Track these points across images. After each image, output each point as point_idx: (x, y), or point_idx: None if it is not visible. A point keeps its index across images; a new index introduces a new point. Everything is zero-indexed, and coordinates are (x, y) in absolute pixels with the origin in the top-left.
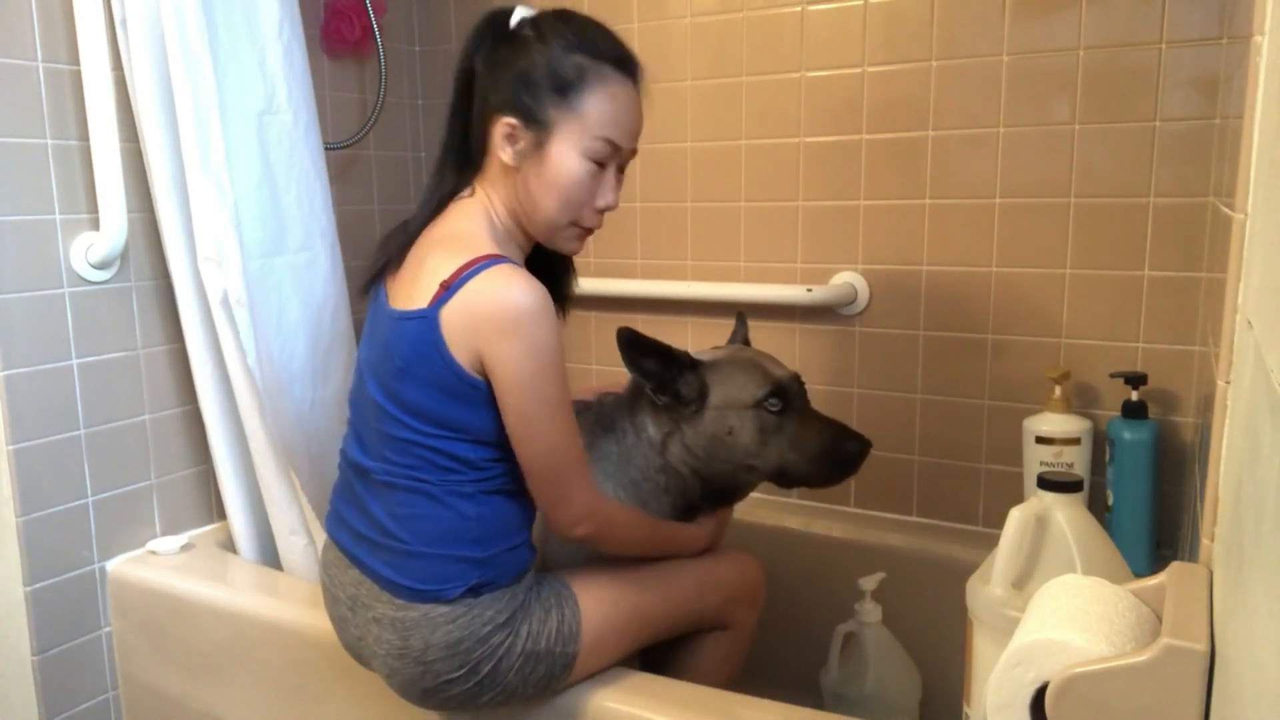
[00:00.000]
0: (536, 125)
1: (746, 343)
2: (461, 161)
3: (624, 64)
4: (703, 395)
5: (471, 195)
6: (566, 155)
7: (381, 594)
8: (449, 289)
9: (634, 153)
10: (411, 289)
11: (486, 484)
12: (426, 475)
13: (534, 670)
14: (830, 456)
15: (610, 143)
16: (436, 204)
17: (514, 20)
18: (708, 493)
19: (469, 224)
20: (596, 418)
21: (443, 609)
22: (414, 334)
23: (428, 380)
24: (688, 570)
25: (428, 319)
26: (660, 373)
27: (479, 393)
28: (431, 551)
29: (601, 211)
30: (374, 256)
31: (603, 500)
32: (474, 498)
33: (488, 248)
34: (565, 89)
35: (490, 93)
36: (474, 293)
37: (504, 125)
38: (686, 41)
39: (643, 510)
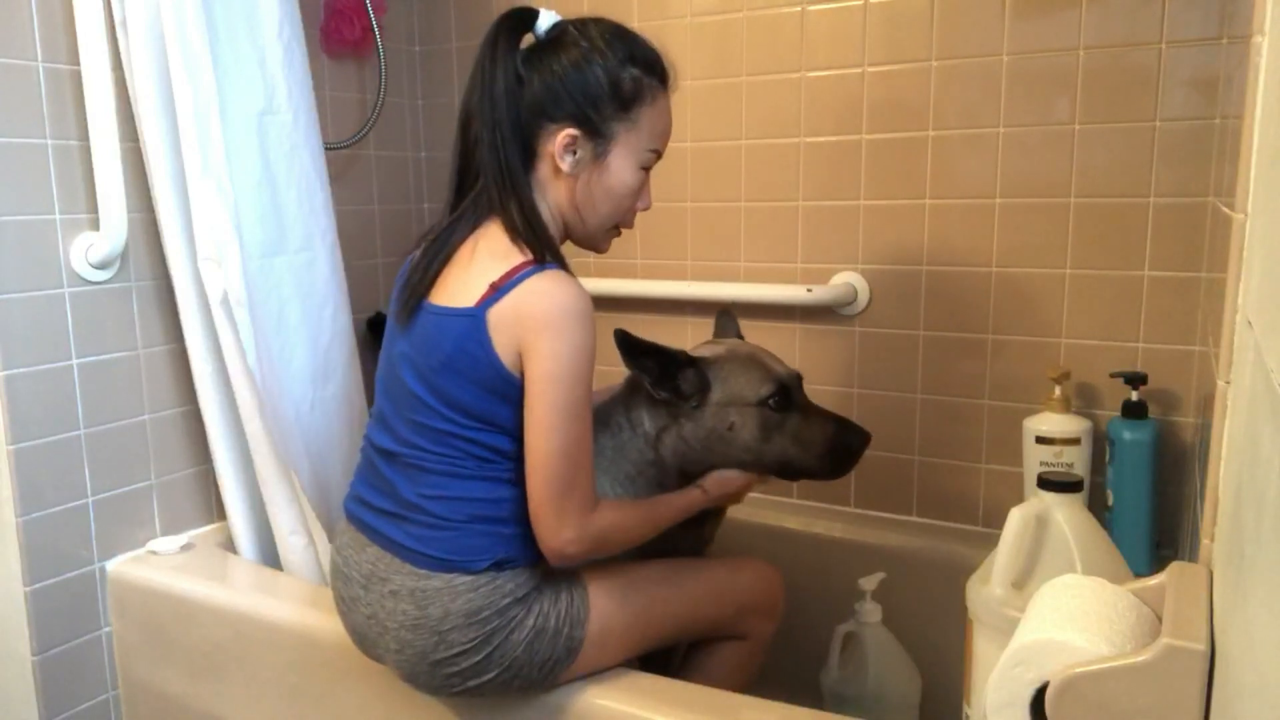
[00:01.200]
0: (599, 138)
1: (740, 337)
2: (516, 173)
3: (667, 77)
4: (703, 391)
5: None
6: (624, 166)
7: (403, 565)
8: (499, 290)
9: None
10: (458, 287)
11: (520, 472)
12: (464, 462)
13: (540, 649)
14: (833, 450)
15: (658, 152)
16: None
17: (545, 25)
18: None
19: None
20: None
21: (466, 578)
22: (459, 331)
23: (470, 376)
24: (704, 576)
25: (475, 318)
26: (658, 369)
27: (517, 390)
28: (464, 526)
29: (637, 211)
30: (429, 246)
31: (598, 514)
32: (507, 483)
33: (535, 252)
34: (627, 104)
35: (546, 103)
36: (525, 294)
37: (565, 136)
38: (686, 41)
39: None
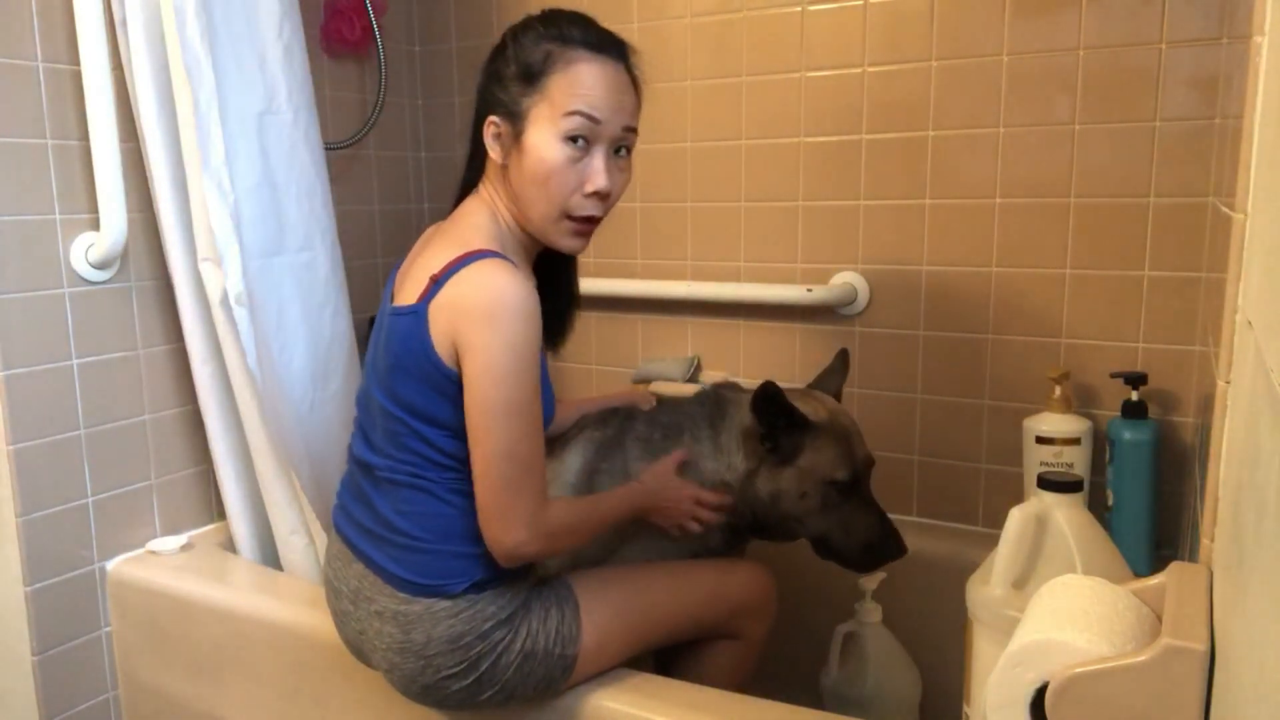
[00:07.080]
0: (512, 118)
1: (839, 393)
2: (473, 168)
3: (599, 46)
4: (795, 454)
5: (478, 194)
6: (542, 140)
7: (385, 587)
8: (437, 283)
9: (631, 132)
10: (410, 285)
11: None
12: (426, 472)
13: (533, 670)
14: (870, 548)
15: (583, 115)
16: (452, 205)
17: None
18: (754, 527)
19: (470, 220)
20: (643, 441)
21: (445, 603)
22: (404, 329)
23: (416, 375)
24: (696, 579)
25: (418, 314)
26: (781, 426)
27: (455, 385)
28: (437, 547)
29: (592, 197)
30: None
31: (550, 513)
32: (471, 495)
33: (481, 243)
34: (532, 76)
35: (479, 99)
36: (459, 283)
37: (490, 125)
38: (686, 41)
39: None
